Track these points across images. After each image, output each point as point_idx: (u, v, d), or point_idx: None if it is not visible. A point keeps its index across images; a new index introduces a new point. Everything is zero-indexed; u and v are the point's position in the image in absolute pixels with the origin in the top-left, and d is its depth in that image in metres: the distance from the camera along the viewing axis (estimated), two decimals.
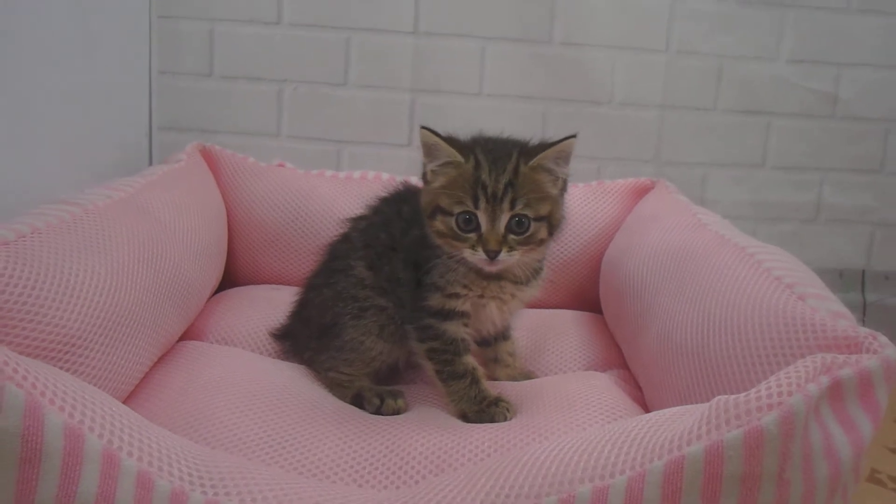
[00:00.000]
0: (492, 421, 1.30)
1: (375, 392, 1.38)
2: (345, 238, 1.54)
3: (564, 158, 1.35)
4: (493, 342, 1.53)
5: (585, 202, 1.95)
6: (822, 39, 2.32)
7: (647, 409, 1.38)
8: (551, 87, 2.27)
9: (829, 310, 1.03)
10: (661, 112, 2.30)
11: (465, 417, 1.33)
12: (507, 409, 1.32)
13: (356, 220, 1.55)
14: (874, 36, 2.32)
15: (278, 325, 1.60)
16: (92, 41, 1.72)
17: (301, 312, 1.56)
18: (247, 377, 1.34)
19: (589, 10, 2.23)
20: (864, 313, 2.49)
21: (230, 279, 1.90)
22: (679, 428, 0.82)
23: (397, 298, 1.42)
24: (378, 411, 1.35)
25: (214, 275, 1.77)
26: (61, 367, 1.06)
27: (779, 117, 2.36)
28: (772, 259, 1.23)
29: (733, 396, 0.81)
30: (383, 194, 1.56)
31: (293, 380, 1.39)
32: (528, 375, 1.55)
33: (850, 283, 2.50)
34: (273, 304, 1.69)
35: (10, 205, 1.37)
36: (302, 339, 1.52)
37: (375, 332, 1.41)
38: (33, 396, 0.79)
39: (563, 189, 1.38)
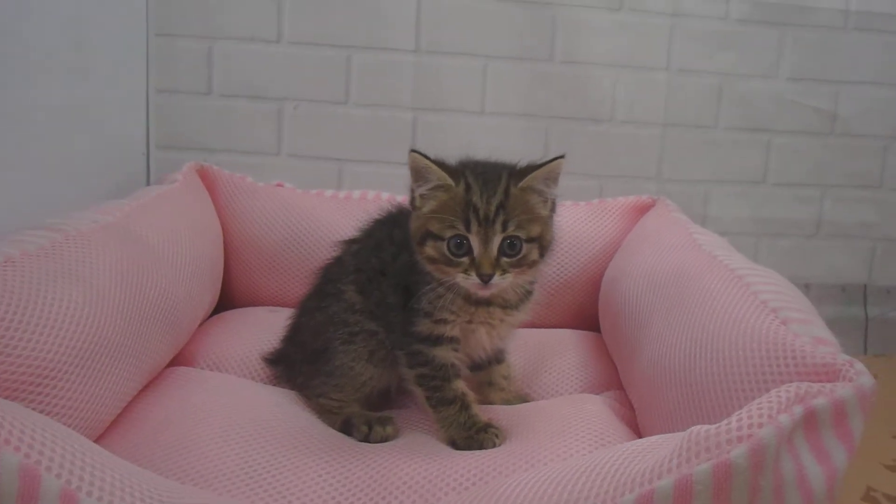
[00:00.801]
0: (480, 447, 1.29)
1: (364, 419, 1.37)
2: (337, 261, 1.53)
3: (553, 179, 1.33)
4: (486, 366, 1.52)
5: (586, 220, 1.95)
6: (821, 58, 2.33)
7: (639, 432, 1.37)
8: (553, 105, 2.27)
9: (810, 335, 1.03)
10: (662, 130, 2.31)
11: (454, 444, 1.32)
12: (496, 436, 1.31)
13: (349, 243, 1.54)
14: (872, 54, 2.33)
15: (271, 350, 1.59)
16: (89, 59, 1.72)
17: (293, 337, 1.55)
18: (231, 405, 1.33)
19: (590, 29, 2.23)
20: (866, 328, 2.49)
21: (228, 301, 1.90)
22: (652, 460, 0.82)
23: (387, 323, 1.41)
24: (366, 439, 1.34)
25: (208, 298, 1.76)
26: (33, 401, 1.05)
27: (779, 134, 2.36)
28: (760, 282, 1.23)
29: (705, 428, 0.81)
30: (376, 216, 1.54)
31: (280, 406, 1.38)
32: (523, 398, 1.54)
33: (853, 297, 2.49)
34: (269, 327, 1.67)
35: (7, 223, 1.36)
36: (294, 364, 1.52)
37: (365, 357, 1.41)
38: None
39: (553, 210, 1.37)
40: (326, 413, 1.41)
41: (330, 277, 1.52)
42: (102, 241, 1.34)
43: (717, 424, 0.80)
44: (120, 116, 2.00)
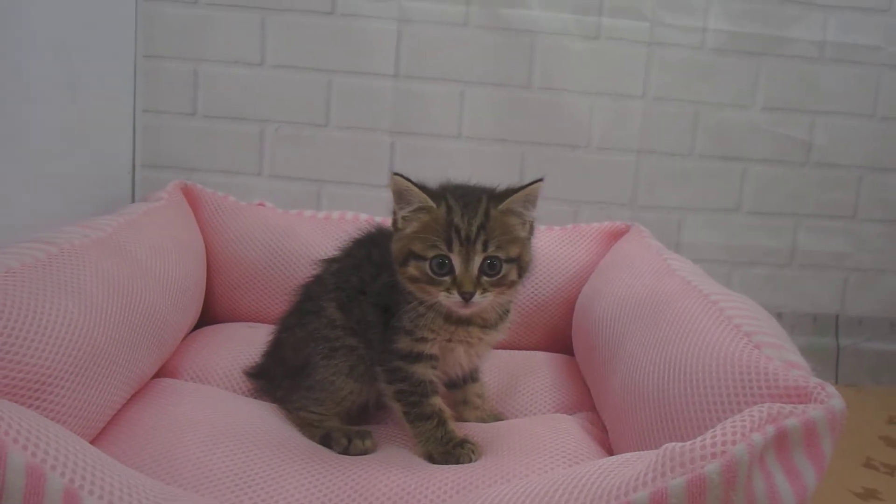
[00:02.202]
0: (457, 462, 1.32)
1: (343, 433, 1.40)
2: (317, 279, 1.56)
3: (532, 202, 1.38)
4: (461, 384, 1.55)
5: (561, 245, 1.98)
6: (796, 88, 2.36)
7: (611, 452, 1.39)
8: (529, 130, 2.31)
9: (783, 359, 1.06)
10: (637, 157, 2.34)
11: (432, 458, 1.34)
12: (473, 451, 1.34)
13: (329, 262, 1.57)
14: (847, 85, 2.37)
15: (252, 364, 1.61)
16: (77, 79, 1.74)
17: (274, 352, 1.58)
18: (216, 416, 1.36)
19: (568, 56, 2.27)
20: (837, 357, 2.52)
21: (208, 316, 1.92)
22: (628, 474, 0.85)
23: (367, 340, 1.44)
24: (345, 451, 1.36)
25: (191, 313, 1.79)
26: (31, 406, 1.08)
27: (754, 163, 2.39)
28: (733, 307, 1.26)
29: (680, 444, 0.84)
30: (355, 236, 1.58)
31: (263, 418, 1.41)
32: (497, 417, 1.57)
33: (824, 327, 2.53)
34: (249, 342, 1.70)
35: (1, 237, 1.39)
36: (274, 379, 1.54)
37: (346, 372, 1.43)
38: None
39: (531, 232, 1.41)
40: (307, 426, 1.43)
41: (310, 295, 1.54)
42: (94, 255, 1.38)
43: (692, 441, 0.83)
44: (107, 136, 2.03)
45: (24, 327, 1.10)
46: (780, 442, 0.87)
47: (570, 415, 1.59)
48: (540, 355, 1.87)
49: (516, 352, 1.86)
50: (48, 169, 1.63)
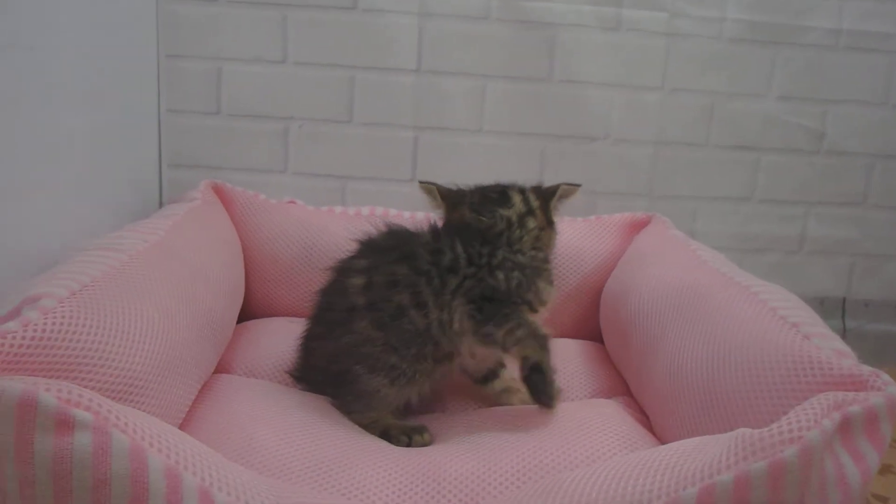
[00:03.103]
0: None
1: (402, 430, 1.43)
2: (338, 289, 1.54)
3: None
4: (492, 377, 1.61)
5: (585, 236, 2.03)
6: (811, 77, 2.39)
7: (655, 435, 1.46)
8: (549, 124, 2.34)
9: (832, 348, 1.11)
10: (655, 148, 2.37)
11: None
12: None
13: (347, 273, 1.55)
14: (860, 73, 2.40)
15: (292, 367, 1.65)
16: (103, 83, 1.77)
17: (307, 359, 1.60)
18: (283, 410, 1.41)
19: (587, 50, 2.30)
20: (843, 339, 2.55)
21: (246, 312, 1.96)
22: (706, 458, 0.90)
23: (413, 354, 1.47)
24: (407, 447, 1.40)
25: (237, 310, 1.84)
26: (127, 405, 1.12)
27: (767, 152, 2.43)
28: (775, 298, 1.31)
29: (756, 431, 0.89)
30: (373, 245, 1.58)
31: (325, 411, 1.46)
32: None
33: (831, 310, 2.57)
34: (291, 335, 1.73)
35: (37, 245, 1.44)
36: (316, 384, 1.57)
37: (389, 384, 1.45)
38: (135, 441, 0.87)
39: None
40: (362, 426, 1.46)
41: (333, 306, 1.54)
42: (156, 259, 1.42)
43: (769, 429, 0.88)
44: (134, 137, 2.07)
45: (116, 333, 1.14)
46: (845, 427, 0.92)
47: (607, 399, 1.65)
48: (569, 343, 1.93)
49: None
50: (80, 173, 1.66)
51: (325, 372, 1.53)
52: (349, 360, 1.47)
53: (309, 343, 1.59)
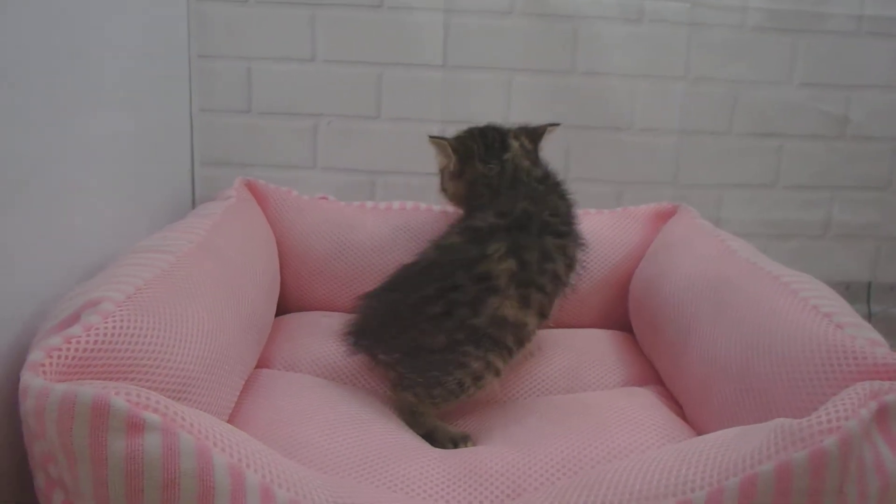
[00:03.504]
0: None
1: (448, 437, 1.42)
2: (465, 265, 1.50)
3: None
4: None
5: (612, 228, 2.05)
6: (833, 63, 2.41)
7: (689, 424, 1.48)
8: (574, 115, 2.35)
9: (866, 338, 1.14)
10: (679, 137, 2.39)
11: None
12: None
13: (474, 244, 1.52)
14: (883, 58, 2.41)
15: (355, 325, 1.64)
16: (138, 86, 1.80)
17: (387, 315, 1.55)
18: (326, 404, 1.44)
19: (610, 42, 2.32)
20: (868, 322, 2.56)
21: (280, 306, 1.97)
22: (747, 448, 0.93)
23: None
24: None
25: (275, 305, 1.86)
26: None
27: (791, 139, 2.45)
28: (806, 289, 1.33)
29: (796, 421, 0.92)
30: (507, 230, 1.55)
31: (367, 405, 1.48)
32: None
33: (856, 295, 2.58)
34: (327, 330, 1.76)
35: (79, 248, 1.47)
36: (383, 341, 1.54)
37: (475, 384, 1.47)
38: (200, 440, 0.91)
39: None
40: (408, 413, 1.47)
41: (455, 282, 1.49)
42: (202, 259, 1.45)
43: (808, 419, 0.91)
44: (167, 137, 2.10)
45: (169, 335, 1.17)
46: (881, 416, 0.95)
47: (640, 387, 1.67)
48: (598, 332, 1.94)
49: (575, 330, 1.93)
50: (118, 175, 1.69)
51: (405, 336, 1.50)
52: (457, 345, 1.46)
53: (413, 316, 1.50)
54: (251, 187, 2.05)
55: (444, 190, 1.82)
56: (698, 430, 1.42)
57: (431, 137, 1.75)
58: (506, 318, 1.47)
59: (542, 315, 1.56)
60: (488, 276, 1.47)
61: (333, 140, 2.34)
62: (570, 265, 1.63)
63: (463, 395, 1.47)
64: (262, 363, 1.67)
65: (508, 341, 1.49)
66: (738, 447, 0.95)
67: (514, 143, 1.74)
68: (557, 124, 1.84)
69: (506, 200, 1.62)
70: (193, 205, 2.23)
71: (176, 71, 2.14)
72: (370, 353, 1.58)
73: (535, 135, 1.80)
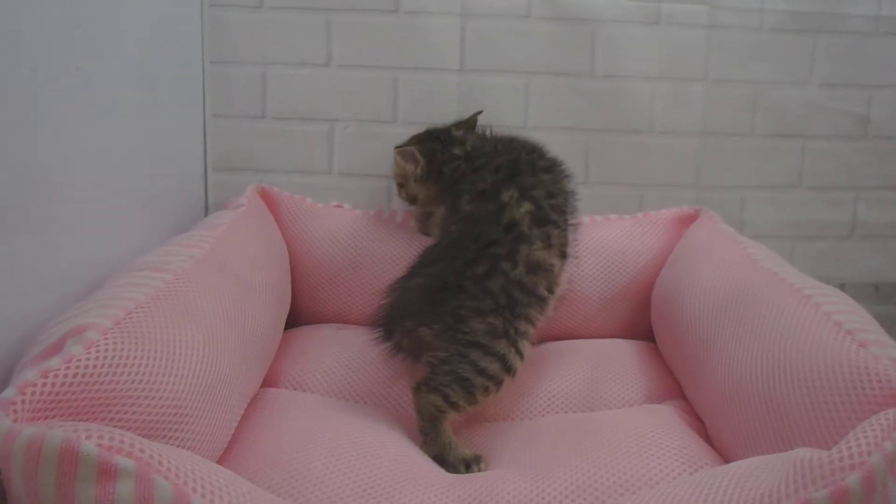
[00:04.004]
0: None
1: (461, 458, 1.40)
2: (500, 222, 1.53)
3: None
4: None
5: (633, 234, 2.02)
6: (853, 63, 2.37)
7: (711, 442, 1.44)
8: (593, 118, 2.32)
9: (891, 357, 1.09)
10: (700, 139, 2.36)
11: None
12: None
13: (502, 196, 1.56)
14: None
15: (389, 305, 1.62)
16: (151, 92, 1.78)
17: (439, 293, 1.51)
18: (331, 428, 1.39)
19: (628, 44, 2.29)
20: None
21: (292, 318, 1.94)
22: (765, 485, 0.89)
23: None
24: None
25: (284, 319, 1.83)
26: (171, 438, 1.12)
27: (813, 139, 2.41)
28: (829, 302, 1.29)
29: (817, 455, 0.88)
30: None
31: (375, 426, 1.44)
32: None
33: (886, 295, 2.54)
34: (341, 344, 1.74)
35: (89, 256, 1.45)
36: (428, 316, 1.52)
37: (512, 373, 1.48)
38: (178, 486, 0.86)
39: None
40: (427, 420, 1.45)
41: (492, 237, 1.52)
42: (202, 277, 1.41)
43: (829, 453, 0.87)
44: (181, 142, 2.07)
45: (161, 362, 1.13)
46: None
47: (661, 402, 1.64)
48: (621, 343, 1.91)
49: (597, 340, 1.90)
50: (132, 183, 1.67)
51: (458, 312, 1.49)
52: (503, 323, 1.48)
53: (451, 281, 1.51)
54: (264, 194, 2.02)
55: (411, 197, 1.92)
56: (720, 450, 1.38)
57: (398, 148, 1.88)
58: (538, 262, 1.52)
59: (563, 255, 1.60)
60: (515, 224, 1.52)
61: (349, 145, 2.31)
62: (567, 197, 1.69)
63: (499, 378, 1.47)
64: (269, 381, 1.63)
65: (541, 289, 1.53)
66: (756, 484, 0.91)
67: (458, 133, 1.90)
68: (480, 111, 2.02)
69: (486, 165, 1.70)
70: (206, 211, 2.20)
71: (189, 77, 2.12)
72: (410, 332, 1.57)
73: (468, 125, 1.97)
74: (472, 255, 1.49)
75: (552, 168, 1.71)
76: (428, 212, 1.94)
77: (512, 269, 1.48)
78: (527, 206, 1.54)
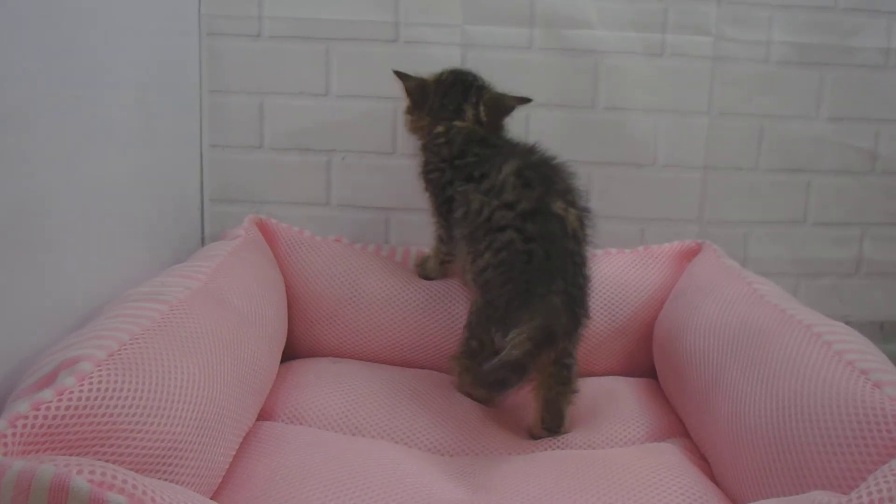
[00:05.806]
0: None
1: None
2: (567, 233, 1.60)
3: None
4: None
5: (634, 268, 1.99)
6: (861, 97, 2.34)
7: (717, 482, 1.40)
8: (596, 151, 2.30)
9: None
10: (704, 173, 2.33)
11: None
12: None
13: (553, 208, 1.62)
14: None
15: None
16: (148, 122, 1.76)
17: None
18: (329, 461, 1.35)
19: (631, 76, 2.26)
20: None
21: (289, 351, 1.91)
22: None
23: None
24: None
25: (280, 352, 1.80)
26: (164, 472, 1.09)
27: (819, 175, 2.38)
28: (840, 340, 1.26)
29: (835, 500, 0.84)
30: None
31: (373, 457, 1.40)
32: None
33: (892, 334, 2.51)
34: (338, 377, 1.71)
35: (83, 287, 1.43)
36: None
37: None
38: None
39: None
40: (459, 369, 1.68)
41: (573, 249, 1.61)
42: (198, 308, 1.38)
43: (848, 498, 0.83)
44: (177, 172, 2.05)
45: (155, 395, 1.11)
46: None
47: (663, 440, 1.60)
48: (620, 381, 1.88)
49: (597, 378, 1.86)
50: (127, 214, 1.65)
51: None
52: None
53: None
54: (262, 226, 2.00)
55: (406, 116, 1.95)
56: (727, 491, 1.35)
57: (395, 72, 1.90)
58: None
59: None
60: (574, 233, 1.60)
61: (347, 176, 2.28)
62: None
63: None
64: (264, 415, 1.60)
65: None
66: None
67: (470, 111, 1.88)
68: (530, 100, 1.94)
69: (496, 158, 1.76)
70: (203, 242, 2.18)
71: (186, 107, 2.09)
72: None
73: (499, 107, 1.92)
74: (572, 269, 1.55)
75: (555, 157, 1.78)
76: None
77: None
78: (574, 212, 1.61)
